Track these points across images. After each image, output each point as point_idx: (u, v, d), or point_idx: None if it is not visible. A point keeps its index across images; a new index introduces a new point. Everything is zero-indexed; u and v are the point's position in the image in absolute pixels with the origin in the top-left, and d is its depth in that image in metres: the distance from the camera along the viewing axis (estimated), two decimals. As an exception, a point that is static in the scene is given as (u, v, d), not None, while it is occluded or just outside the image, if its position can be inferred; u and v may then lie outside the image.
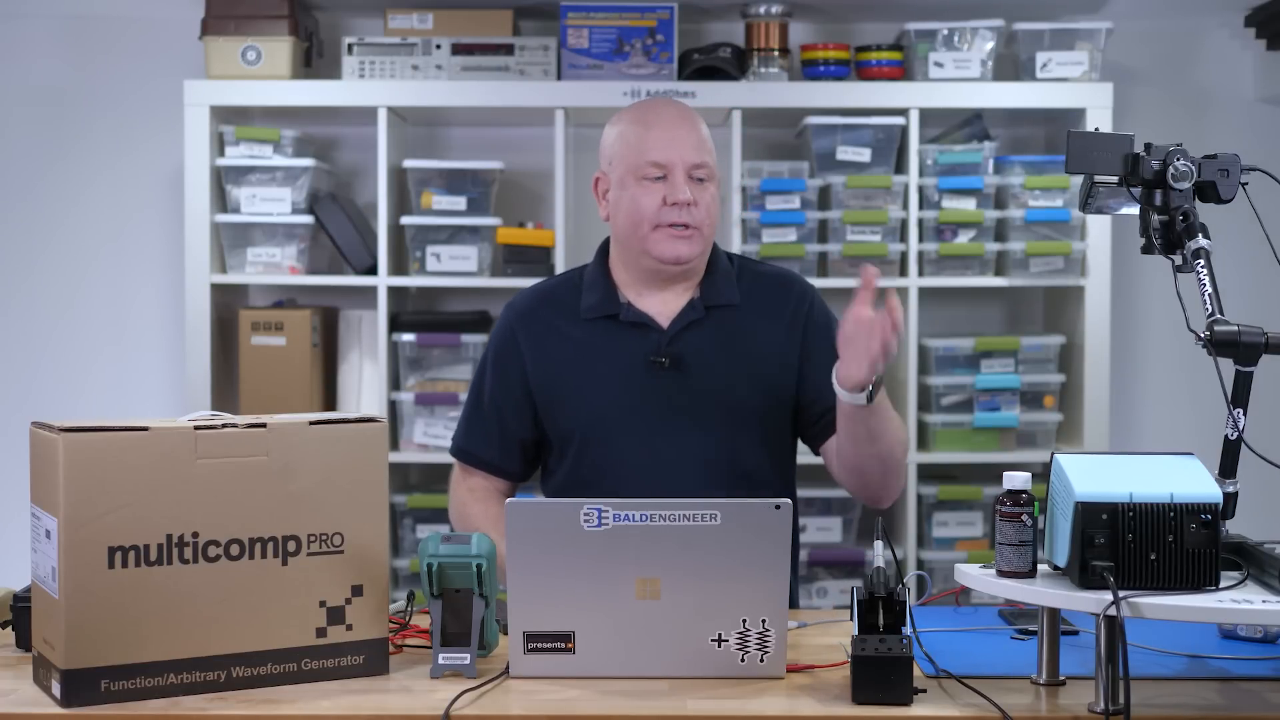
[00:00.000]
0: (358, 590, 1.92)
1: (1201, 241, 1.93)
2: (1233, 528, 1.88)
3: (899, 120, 3.73)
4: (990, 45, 3.75)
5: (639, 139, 2.44)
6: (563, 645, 1.88)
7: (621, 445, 2.42)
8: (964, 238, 3.75)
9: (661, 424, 2.42)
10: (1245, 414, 1.87)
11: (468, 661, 1.90)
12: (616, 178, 2.46)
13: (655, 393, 2.43)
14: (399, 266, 3.83)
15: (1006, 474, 1.88)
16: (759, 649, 1.88)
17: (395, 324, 3.79)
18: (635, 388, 2.43)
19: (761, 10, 3.79)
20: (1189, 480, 1.80)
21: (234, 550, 1.85)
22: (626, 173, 2.44)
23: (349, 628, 1.91)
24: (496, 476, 2.54)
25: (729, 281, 2.50)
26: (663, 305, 2.47)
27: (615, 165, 2.46)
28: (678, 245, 2.41)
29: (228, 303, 3.86)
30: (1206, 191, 1.98)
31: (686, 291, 2.49)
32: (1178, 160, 1.95)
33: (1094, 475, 1.80)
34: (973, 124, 3.82)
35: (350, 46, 3.76)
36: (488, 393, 2.52)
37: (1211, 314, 1.87)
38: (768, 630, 1.87)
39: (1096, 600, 1.73)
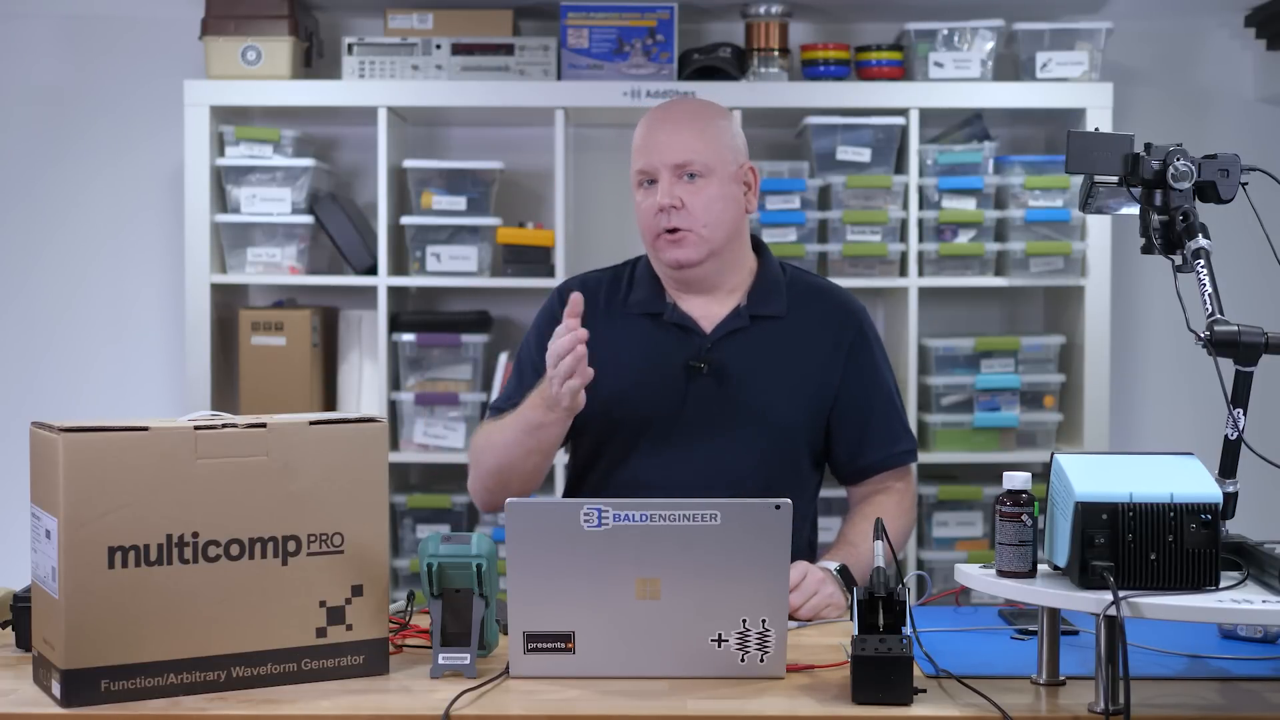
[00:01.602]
0: (358, 590, 1.92)
1: (1201, 241, 1.93)
2: (1233, 528, 1.88)
3: (899, 120, 3.73)
4: (990, 45, 3.75)
5: (635, 148, 2.45)
6: (563, 645, 1.88)
7: (649, 446, 2.42)
8: (964, 238, 3.75)
9: (690, 429, 2.41)
10: (1245, 414, 1.87)
11: (468, 661, 1.90)
12: (631, 186, 2.47)
13: (689, 397, 2.42)
14: (399, 266, 3.83)
15: (1006, 474, 1.88)
16: (759, 649, 1.88)
17: (395, 324, 3.80)
18: (670, 390, 2.42)
19: (761, 10, 3.79)
20: (1189, 480, 1.80)
21: (234, 550, 1.85)
22: (632, 182, 2.46)
23: (349, 628, 1.91)
24: None
25: (778, 292, 2.48)
26: (706, 309, 2.46)
27: (631, 173, 2.48)
28: (673, 251, 2.41)
29: (228, 303, 3.86)
30: (1206, 191, 1.98)
31: (732, 298, 2.47)
32: (1178, 160, 1.95)
33: (1094, 475, 1.80)
34: (973, 124, 3.82)
35: (350, 46, 3.76)
36: (533, 363, 2.48)
37: (1211, 314, 1.87)
38: (768, 630, 1.87)
39: (1096, 600, 1.73)
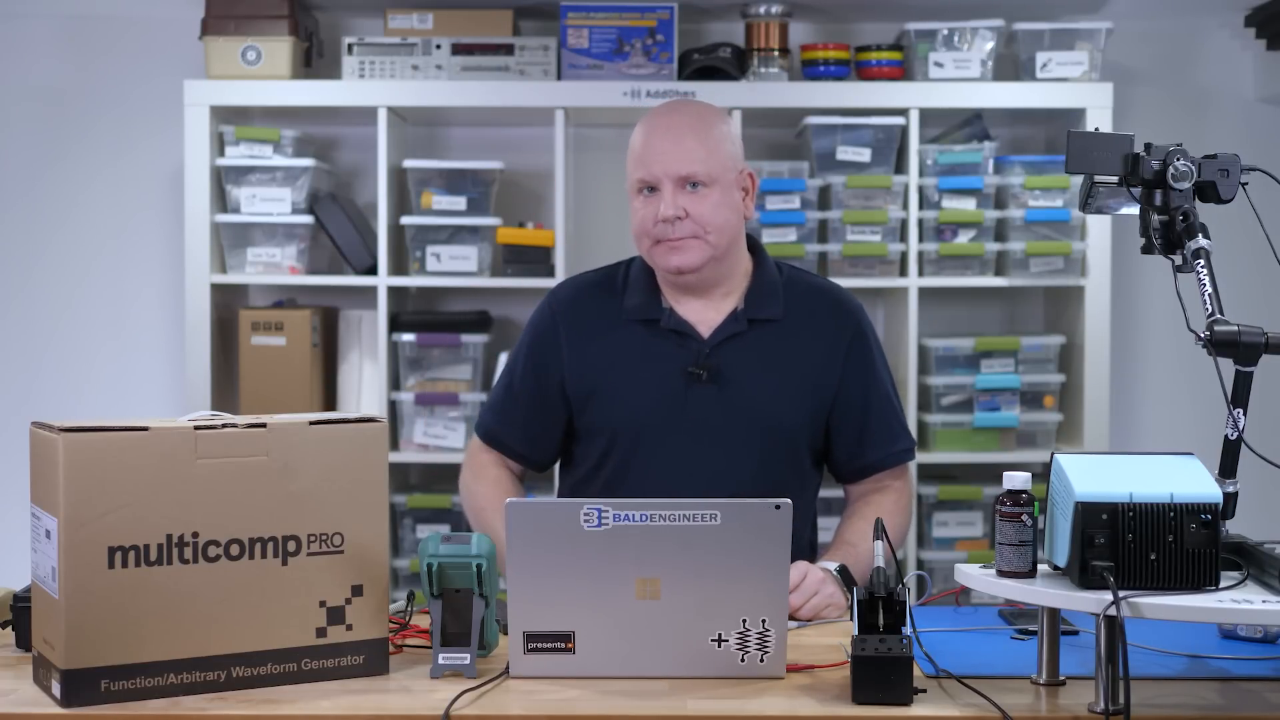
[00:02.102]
0: (358, 590, 1.92)
1: (1201, 241, 1.93)
2: (1233, 528, 1.88)
3: (899, 120, 3.73)
4: (990, 45, 3.75)
5: (635, 153, 2.44)
6: (563, 645, 1.88)
7: (650, 454, 2.41)
8: (964, 238, 3.75)
9: (692, 437, 2.41)
10: (1245, 414, 1.87)
11: (468, 661, 1.90)
12: (628, 189, 2.46)
13: (690, 405, 2.42)
14: (399, 266, 3.83)
15: (1006, 474, 1.88)
16: (759, 649, 1.88)
17: (395, 324, 3.79)
18: (670, 397, 2.42)
19: (761, 10, 3.79)
20: (1189, 480, 1.80)
21: (234, 550, 1.85)
22: (629, 187, 2.45)
23: (349, 628, 1.91)
24: (518, 462, 2.54)
25: (774, 294, 2.48)
26: (703, 313, 2.45)
27: (627, 176, 2.47)
28: (672, 257, 2.40)
29: (228, 303, 3.86)
30: (1206, 191, 1.98)
31: (729, 300, 2.47)
32: (1178, 160, 1.95)
33: (1094, 475, 1.80)
34: (973, 124, 3.82)
35: (350, 46, 3.76)
36: (520, 379, 2.51)
37: (1211, 314, 1.87)
38: (768, 630, 1.87)
39: (1096, 600, 1.73)
